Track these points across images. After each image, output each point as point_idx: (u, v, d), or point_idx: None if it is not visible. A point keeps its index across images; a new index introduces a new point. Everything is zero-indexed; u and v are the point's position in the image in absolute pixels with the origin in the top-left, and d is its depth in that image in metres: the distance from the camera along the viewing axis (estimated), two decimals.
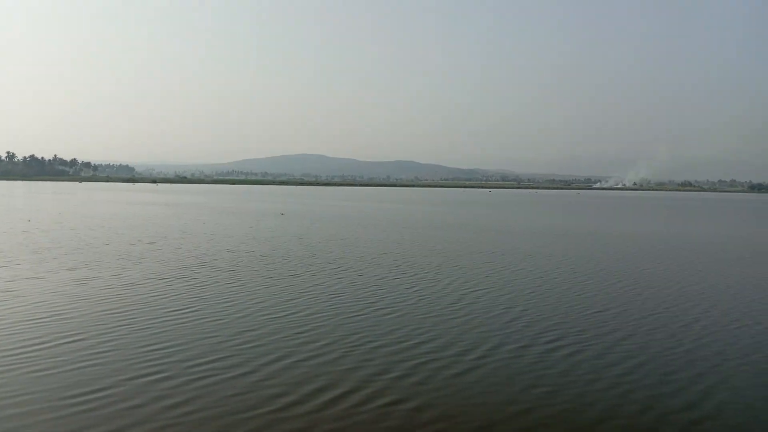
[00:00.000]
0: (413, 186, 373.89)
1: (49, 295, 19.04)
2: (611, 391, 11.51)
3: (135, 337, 14.38)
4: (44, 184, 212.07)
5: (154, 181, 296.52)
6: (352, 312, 17.51)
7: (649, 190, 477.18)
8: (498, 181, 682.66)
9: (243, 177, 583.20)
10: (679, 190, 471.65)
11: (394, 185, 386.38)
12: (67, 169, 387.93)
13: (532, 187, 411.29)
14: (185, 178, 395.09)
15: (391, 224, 52.82)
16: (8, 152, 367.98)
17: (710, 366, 13.14)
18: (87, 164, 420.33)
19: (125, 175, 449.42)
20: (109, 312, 16.85)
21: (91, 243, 33.09)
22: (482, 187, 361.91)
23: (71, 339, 14.14)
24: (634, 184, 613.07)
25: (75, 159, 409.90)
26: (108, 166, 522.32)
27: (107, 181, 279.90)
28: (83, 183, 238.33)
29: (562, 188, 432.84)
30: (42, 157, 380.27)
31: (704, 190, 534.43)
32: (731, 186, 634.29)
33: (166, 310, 17.17)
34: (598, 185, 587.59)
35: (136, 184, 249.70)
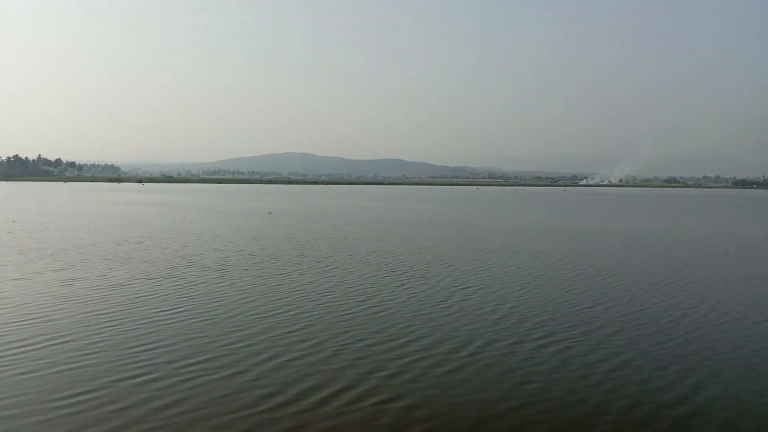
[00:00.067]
0: (401, 184, 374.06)
1: (36, 296, 18.82)
2: (602, 387, 11.54)
3: (123, 338, 14.24)
4: (28, 184, 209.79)
5: (140, 181, 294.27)
6: (343, 310, 17.46)
7: (634, 186, 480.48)
8: (485, 178, 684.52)
9: (230, 176, 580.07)
10: (664, 187, 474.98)
11: (382, 183, 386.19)
12: (51, 169, 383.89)
13: (519, 185, 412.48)
14: (171, 177, 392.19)
15: (379, 222, 52.78)
16: None
17: (700, 360, 13.23)
18: (72, 164, 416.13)
19: (111, 174, 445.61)
20: (96, 313, 16.67)
21: (77, 243, 32.77)
22: (469, 185, 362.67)
23: (58, 340, 13.98)
24: (620, 180, 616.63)
25: (60, 159, 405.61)
26: (93, 165, 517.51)
27: (92, 181, 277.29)
28: (68, 183, 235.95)
29: (548, 185, 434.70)
30: (26, 157, 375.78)
31: (689, 186, 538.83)
32: (715, 182, 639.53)
33: (154, 311, 17.02)
34: (584, 182, 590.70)
35: (122, 183, 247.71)
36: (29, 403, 10.31)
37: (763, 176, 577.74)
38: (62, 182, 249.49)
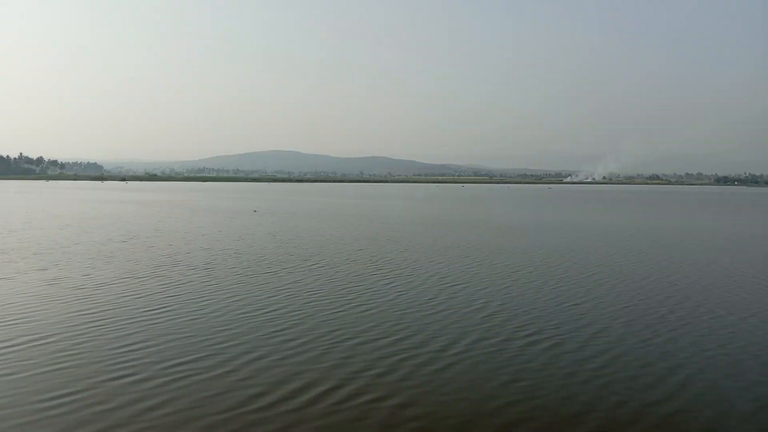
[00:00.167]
0: (386, 182, 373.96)
1: (19, 296, 18.56)
2: (591, 384, 11.59)
3: (109, 338, 14.08)
4: (9, 182, 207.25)
5: (123, 179, 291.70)
6: (331, 309, 17.39)
7: (618, 183, 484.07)
8: (470, 176, 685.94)
9: (214, 174, 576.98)
10: (647, 184, 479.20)
11: (368, 181, 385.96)
12: (33, 167, 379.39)
13: (505, 182, 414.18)
14: (155, 175, 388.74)
15: (365, 220, 52.71)
16: None
17: (686, 357, 13.32)
18: (54, 162, 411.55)
19: (93, 173, 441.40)
20: (81, 312, 16.47)
21: (61, 242, 32.40)
22: (455, 182, 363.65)
23: (43, 341, 13.78)
24: (604, 178, 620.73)
25: (41, 157, 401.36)
26: (75, 164, 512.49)
27: (75, 180, 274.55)
28: (50, 181, 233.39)
29: (533, 182, 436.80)
30: (7, 156, 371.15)
31: (672, 183, 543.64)
32: (698, 179, 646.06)
33: (140, 310, 16.85)
34: (568, 179, 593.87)
35: (105, 182, 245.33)
36: (14, 405, 10.15)
37: (745, 173, 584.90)
38: (44, 181, 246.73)
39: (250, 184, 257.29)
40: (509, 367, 12.54)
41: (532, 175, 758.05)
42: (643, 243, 36.26)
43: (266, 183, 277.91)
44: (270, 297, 18.93)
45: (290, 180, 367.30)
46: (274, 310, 17.09)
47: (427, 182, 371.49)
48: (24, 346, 13.40)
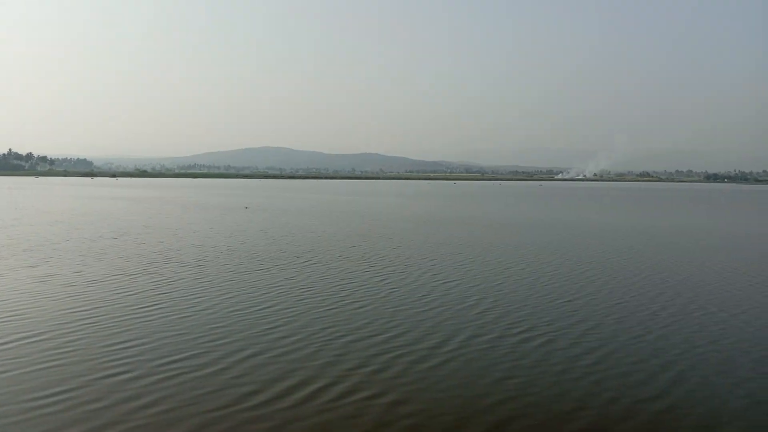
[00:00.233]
0: (378, 178, 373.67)
1: (9, 293, 18.42)
2: (584, 380, 11.63)
3: (101, 336, 14.00)
4: None
5: (113, 176, 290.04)
6: (324, 306, 17.36)
7: (609, 180, 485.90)
8: (462, 172, 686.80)
9: (205, 170, 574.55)
10: (638, 181, 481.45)
11: (360, 178, 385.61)
12: (22, 163, 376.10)
13: (496, 179, 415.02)
14: (146, 172, 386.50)
15: (357, 217, 52.69)
16: None
17: (678, 354, 13.39)
18: (43, 158, 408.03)
19: (83, 169, 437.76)
20: (72, 310, 16.37)
21: (51, 239, 32.19)
22: (446, 179, 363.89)
23: (34, 338, 13.69)
24: (595, 174, 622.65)
25: (31, 153, 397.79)
26: (65, 160, 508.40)
27: (65, 176, 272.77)
28: (40, 178, 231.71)
29: (524, 179, 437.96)
30: None
31: (662, 180, 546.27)
32: (688, 176, 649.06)
33: (132, 307, 16.76)
34: (559, 176, 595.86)
35: (95, 178, 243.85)
36: (5, 403, 10.07)
37: (735, 170, 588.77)
38: (34, 177, 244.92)
39: (241, 180, 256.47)
40: (502, 364, 12.56)
41: (523, 172, 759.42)
42: (638, 241, 36.42)
43: (258, 179, 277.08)
44: (263, 294, 18.88)
45: (282, 177, 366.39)
46: (267, 308, 17.05)
47: (419, 179, 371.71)
48: (15, 344, 13.30)
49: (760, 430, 9.76)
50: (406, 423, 9.76)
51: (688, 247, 33.64)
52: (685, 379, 11.79)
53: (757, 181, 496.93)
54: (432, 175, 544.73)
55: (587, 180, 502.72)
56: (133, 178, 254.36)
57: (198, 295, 18.51)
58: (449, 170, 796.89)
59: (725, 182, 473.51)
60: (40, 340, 13.57)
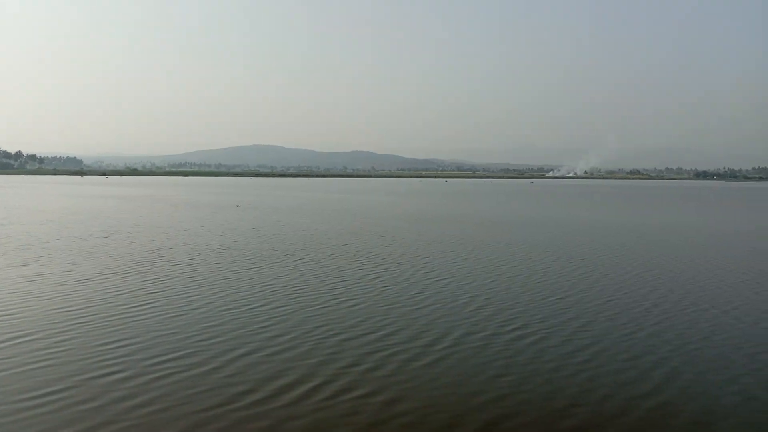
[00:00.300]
0: (370, 176, 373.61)
1: None
2: (578, 377, 11.66)
3: (92, 335, 13.89)
4: None
5: (103, 174, 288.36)
6: (317, 305, 17.32)
7: (599, 178, 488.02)
8: (453, 170, 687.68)
9: (196, 168, 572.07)
10: (628, 178, 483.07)
11: (351, 176, 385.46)
12: (11, 162, 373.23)
13: (488, 177, 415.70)
14: (136, 170, 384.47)
15: (349, 215, 52.63)
16: None
17: (671, 350, 13.44)
18: (33, 157, 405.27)
19: (73, 167, 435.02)
20: (63, 309, 16.24)
21: (41, 238, 31.96)
22: (438, 177, 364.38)
23: (24, 338, 13.57)
24: (585, 172, 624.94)
25: (20, 151, 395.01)
26: (55, 158, 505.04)
27: (54, 174, 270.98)
28: (29, 176, 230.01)
29: (516, 177, 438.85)
30: None
31: (652, 177, 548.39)
32: (678, 174, 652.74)
33: (123, 307, 16.66)
34: (551, 174, 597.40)
35: (85, 177, 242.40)
36: None
37: (724, 168, 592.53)
38: (23, 175, 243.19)
39: (232, 178, 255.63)
40: (496, 361, 12.57)
41: (514, 169, 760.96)
42: (629, 239, 36.57)
43: (249, 178, 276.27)
44: (255, 293, 18.82)
45: (273, 175, 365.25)
46: (260, 306, 16.99)
47: (411, 177, 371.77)
48: (5, 344, 13.18)
49: (754, 426, 9.81)
50: (401, 421, 9.74)
51: (679, 244, 33.82)
52: (678, 376, 11.84)
53: (746, 178, 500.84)
54: (424, 173, 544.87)
55: (578, 177, 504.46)
56: (124, 177, 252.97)
57: (190, 294, 18.42)
58: (441, 168, 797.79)
59: (715, 180, 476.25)
60: (31, 340, 13.45)
